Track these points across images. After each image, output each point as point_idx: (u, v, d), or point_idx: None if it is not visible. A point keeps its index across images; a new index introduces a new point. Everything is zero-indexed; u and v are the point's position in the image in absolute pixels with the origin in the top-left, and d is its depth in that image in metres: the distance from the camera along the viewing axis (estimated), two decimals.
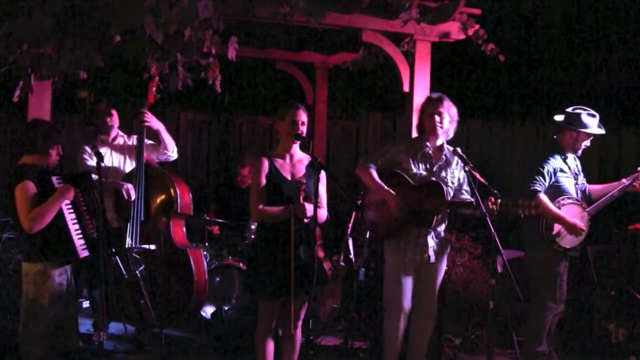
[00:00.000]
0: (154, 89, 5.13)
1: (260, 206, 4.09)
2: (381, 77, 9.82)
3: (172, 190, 5.09)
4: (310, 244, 4.08)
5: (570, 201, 4.85)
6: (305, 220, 4.09)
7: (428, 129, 4.48)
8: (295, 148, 4.20)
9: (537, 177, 4.78)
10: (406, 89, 5.39)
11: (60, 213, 4.22)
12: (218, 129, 8.46)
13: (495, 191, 4.14)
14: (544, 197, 4.74)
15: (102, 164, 4.22)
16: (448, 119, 4.46)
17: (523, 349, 5.09)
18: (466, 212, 4.42)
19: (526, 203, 4.16)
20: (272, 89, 10.69)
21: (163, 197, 5.11)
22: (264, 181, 4.10)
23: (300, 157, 4.22)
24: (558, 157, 4.93)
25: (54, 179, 4.26)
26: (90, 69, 4.27)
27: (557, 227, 4.77)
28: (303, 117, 4.15)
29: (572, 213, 4.80)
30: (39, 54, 4.07)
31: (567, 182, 4.92)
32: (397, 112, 8.62)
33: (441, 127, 4.45)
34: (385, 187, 4.44)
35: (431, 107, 4.46)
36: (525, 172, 4.90)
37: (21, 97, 4.36)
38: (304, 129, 4.15)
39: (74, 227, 4.28)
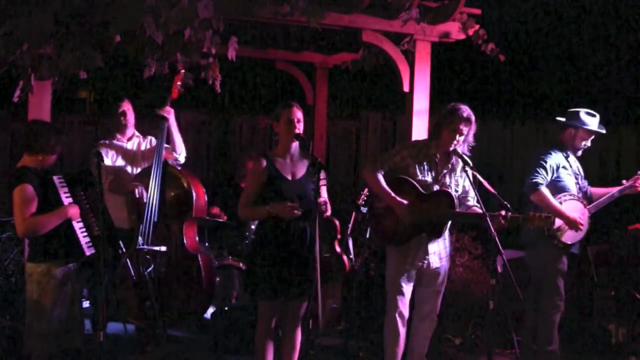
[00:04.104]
0: (178, 83, 4.99)
1: (244, 203, 4.12)
2: (381, 77, 9.83)
3: (188, 193, 4.91)
4: (327, 239, 4.04)
5: (571, 197, 4.90)
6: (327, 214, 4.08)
7: (444, 139, 4.41)
8: (295, 148, 4.18)
9: (539, 170, 4.83)
10: (406, 89, 5.39)
11: None
12: (218, 129, 8.46)
13: (505, 203, 4.13)
14: (545, 190, 4.79)
15: (103, 164, 4.22)
16: (464, 137, 4.43)
17: (536, 350, 5.06)
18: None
19: (537, 215, 4.21)
20: (272, 89, 10.71)
21: (179, 199, 4.94)
22: (258, 182, 4.11)
23: (300, 157, 4.21)
24: (560, 153, 4.98)
25: (55, 178, 4.25)
26: (90, 69, 4.27)
27: (558, 222, 4.80)
28: (298, 114, 4.13)
29: (572, 209, 4.85)
30: (39, 54, 4.06)
31: (568, 180, 4.97)
32: (397, 112, 8.62)
33: (458, 143, 4.41)
34: (393, 194, 4.39)
35: (457, 123, 4.35)
36: (529, 167, 4.91)
37: (21, 97, 4.36)
38: (300, 127, 4.13)
39: (78, 225, 4.29)
